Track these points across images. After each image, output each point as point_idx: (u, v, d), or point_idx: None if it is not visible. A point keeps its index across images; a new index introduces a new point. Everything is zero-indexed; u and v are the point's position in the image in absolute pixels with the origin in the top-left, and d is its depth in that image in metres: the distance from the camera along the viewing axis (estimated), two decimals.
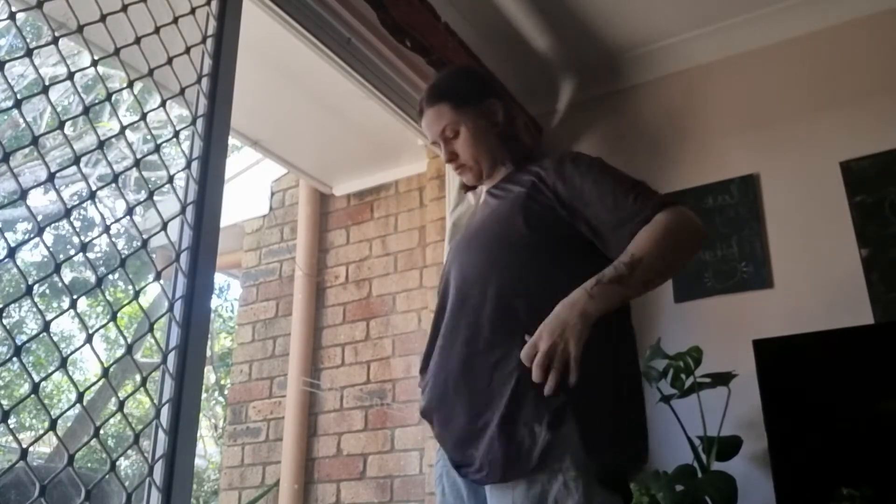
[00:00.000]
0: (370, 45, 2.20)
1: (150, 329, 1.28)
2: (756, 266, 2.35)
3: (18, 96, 1.14)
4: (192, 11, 1.51)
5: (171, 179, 1.41)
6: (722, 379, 2.03)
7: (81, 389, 1.13)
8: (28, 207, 1.15)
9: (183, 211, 1.40)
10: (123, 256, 1.25)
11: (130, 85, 1.38)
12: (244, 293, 3.57)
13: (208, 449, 8.03)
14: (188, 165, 1.43)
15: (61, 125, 1.21)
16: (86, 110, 1.28)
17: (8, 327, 1.04)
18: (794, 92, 2.49)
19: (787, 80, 2.51)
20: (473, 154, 1.50)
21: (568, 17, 2.55)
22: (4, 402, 1.08)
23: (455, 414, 1.28)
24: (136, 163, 1.34)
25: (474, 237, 1.43)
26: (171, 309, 1.32)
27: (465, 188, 1.61)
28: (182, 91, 1.45)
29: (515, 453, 1.17)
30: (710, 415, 2.03)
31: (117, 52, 1.33)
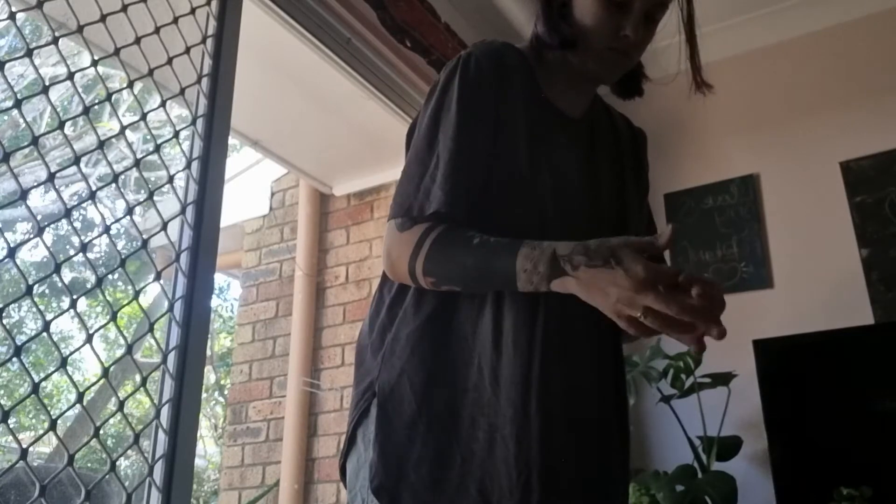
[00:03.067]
0: (370, 45, 2.19)
1: (150, 329, 1.28)
2: (756, 266, 2.35)
3: (18, 96, 1.14)
4: (192, 11, 1.51)
5: (171, 179, 1.41)
6: (722, 379, 2.03)
7: (81, 389, 1.13)
8: (28, 207, 1.15)
9: (183, 211, 1.40)
10: (123, 256, 1.25)
11: (130, 85, 1.38)
12: (244, 293, 3.57)
13: (208, 449, 8.02)
14: (188, 165, 1.43)
15: (61, 125, 1.21)
16: (86, 110, 1.28)
17: (8, 327, 1.04)
18: (795, 92, 2.49)
19: (788, 81, 2.51)
20: (641, 51, 1.08)
21: None
22: (4, 402, 1.08)
23: None
24: (136, 163, 1.34)
25: (601, 213, 1.07)
26: (171, 309, 1.32)
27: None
28: (182, 91, 1.45)
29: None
30: (710, 415, 2.03)
31: (117, 52, 1.33)
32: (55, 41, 1.23)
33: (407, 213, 0.95)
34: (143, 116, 1.39)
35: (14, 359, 1.04)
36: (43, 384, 1.12)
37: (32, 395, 1.06)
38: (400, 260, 0.96)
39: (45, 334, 1.09)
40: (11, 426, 1.02)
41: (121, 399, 1.24)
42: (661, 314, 0.78)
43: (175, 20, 1.47)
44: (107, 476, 1.14)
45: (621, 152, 1.18)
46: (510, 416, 0.91)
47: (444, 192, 0.94)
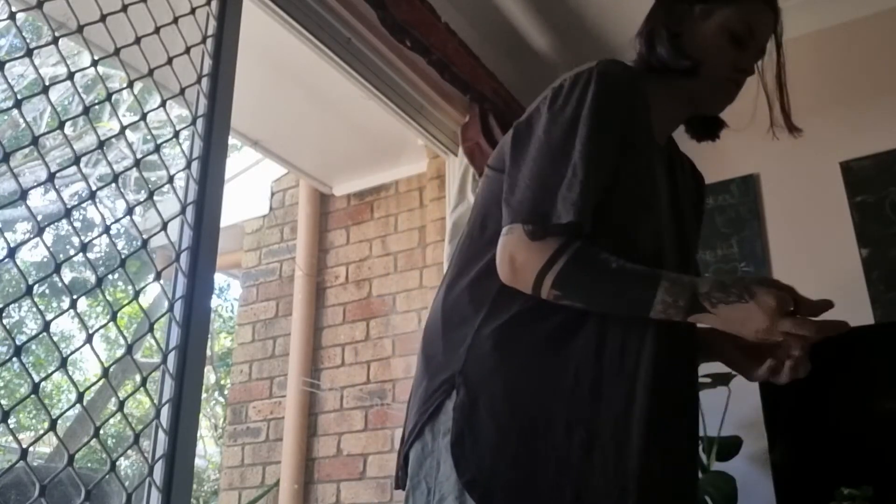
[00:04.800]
0: (370, 45, 2.19)
1: (150, 329, 1.28)
2: (756, 266, 2.35)
3: (18, 96, 1.14)
4: (192, 11, 1.51)
5: (171, 179, 1.41)
6: (722, 379, 2.03)
7: (81, 389, 1.13)
8: (28, 207, 1.15)
9: (183, 211, 1.40)
10: (123, 256, 1.25)
11: (130, 85, 1.38)
12: (244, 293, 3.57)
13: (208, 449, 8.03)
14: (188, 165, 1.43)
15: (61, 125, 1.21)
16: (86, 110, 1.28)
17: (8, 327, 1.04)
18: (794, 92, 2.48)
19: (787, 81, 2.50)
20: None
21: (568, 17, 2.55)
22: (4, 402, 1.08)
23: None
24: (136, 163, 1.34)
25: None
26: (171, 309, 1.32)
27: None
28: (182, 91, 1.45)
29: None
30: (710, 415, 2.03)
31: (117, 52, 1.33)
32: (55, 41, 1.23)
33: (541, 221, 0.95)
34: (143, 116, 1.39)
35: (14, 359, 1.04)
36: (43, 384, 1.12)
37: (32, 395, 1.06)
38: (526, 268, 0.95)
39: (45, 334, 1.09)
40: (11, 426, 1.02)
41: (121, 399, 1.24)
42: (799, 335, 0.92)
43: (175, 20, 1.47)
44: (107, 476, 1.14)
45: (686, 190, 1.23)
46: (611, 425, 0.94)
47: (580, 205, 0.94)
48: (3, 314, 1.03)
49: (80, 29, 1.27)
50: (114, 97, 1.37)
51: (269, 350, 3.38)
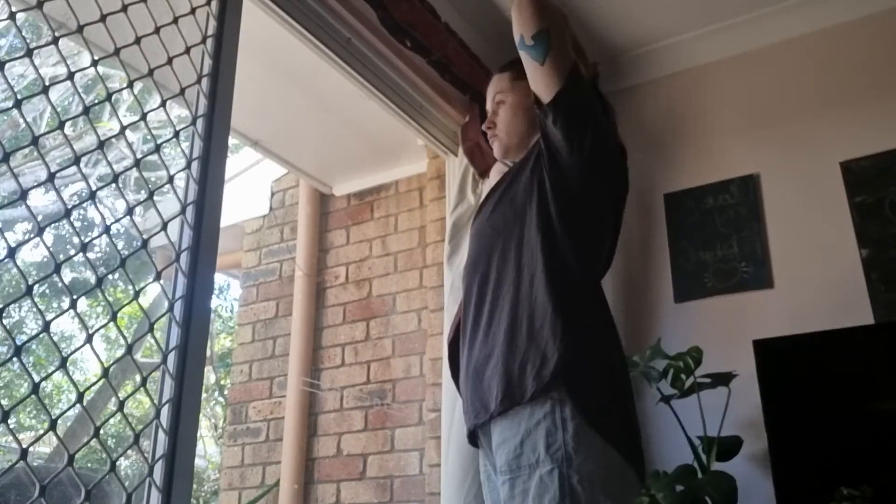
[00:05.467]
0: (370, 45, 2.19)
1: (150, 329, 1.28)
2: (756, 266, 2.35)
3: (18, 96, 1.14)
4: (192, 11, 1.51)
5: (171, 179, 1.41)
6: (722, 379, 2.03)
7: (81, 389, 1.13)
8: (28, 207, 1.15)
9: (183, 211, 1.40)
10: (123, 256, 1.25)
11: (130, 85, 1.38)
12: (244, 293, 3.57)
13: (208, 449, 8.03)
14: (188, 165, 1.43)
15: (61, 125, 1.21)
16: (86, 110, 1.28)
17: (8, 327, 1.04)
18: (794, 92, 2.49)
19: (787, 80, 2.50)
20: (507, 128, 1.64)
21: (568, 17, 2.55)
22: (4, 402, 1.08)
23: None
24: (136, 163, 1.34)
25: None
26: (171, 309, 1.32)
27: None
28: (182, 91, 1.45)
29: (508, 385, 1.36)
30: (710, 415, 2.03)
31: (117, 52, 1.33)
32: (55, 41, 1.23)
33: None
34: (143, 116, 1.39)
35: (14, 359, 1.04)
36: (43, 384, 1.12)
37: (32, 395, 1.06)
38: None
39: (45, 334, 1.09)
40: (11, 426, 1.02)
41: (121, 399, 1.24)
42: None
43: (175, 20, 1.47)
44: (107, 476, 1.14)
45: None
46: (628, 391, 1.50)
47: None
48: (3, 314, 1.03)
49: (80, 29, 1.27)
50: (114, 97, 1.38)
51: (269, 350, 3.38)
